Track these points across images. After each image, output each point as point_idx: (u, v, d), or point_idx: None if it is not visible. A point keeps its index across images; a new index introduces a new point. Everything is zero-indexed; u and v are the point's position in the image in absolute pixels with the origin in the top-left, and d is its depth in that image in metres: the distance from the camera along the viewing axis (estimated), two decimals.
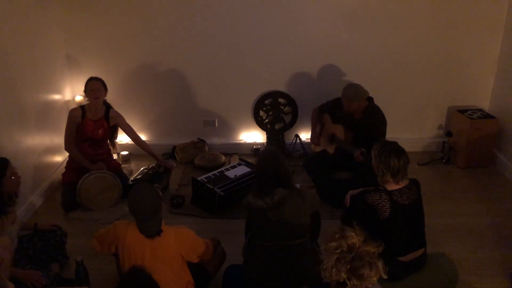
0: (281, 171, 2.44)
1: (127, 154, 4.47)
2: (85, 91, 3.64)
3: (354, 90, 3.59)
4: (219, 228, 3.40)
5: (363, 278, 1.76)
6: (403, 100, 4.47)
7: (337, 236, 1.86)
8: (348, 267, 1.76)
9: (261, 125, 4.57)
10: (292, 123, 4.57)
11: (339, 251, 1.80)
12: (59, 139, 3.87)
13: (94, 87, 3.58)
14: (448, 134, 4.39)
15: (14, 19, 3.44)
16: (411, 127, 4.59)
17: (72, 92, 4.38)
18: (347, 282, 1.76)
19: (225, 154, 4.52)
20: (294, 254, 2.44)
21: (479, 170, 4.26)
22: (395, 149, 2.52)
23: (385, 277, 1.80)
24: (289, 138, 4.57)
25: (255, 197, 2.45)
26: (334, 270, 1.78)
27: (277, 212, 2.38)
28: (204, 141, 4.59)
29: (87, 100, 3.67)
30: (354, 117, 3.73)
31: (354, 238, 1.82)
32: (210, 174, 3.76)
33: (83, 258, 2.65)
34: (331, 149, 3.91)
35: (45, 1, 3.90)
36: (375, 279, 1.77)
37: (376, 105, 3.73)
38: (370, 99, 3.71)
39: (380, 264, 1.79)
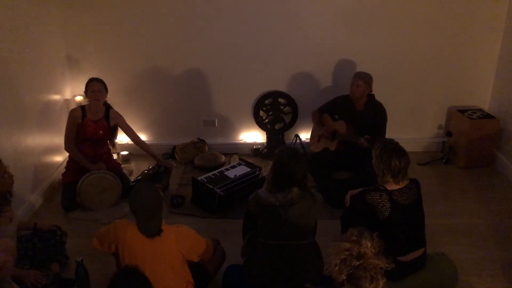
0: (301, 172, 2.43)
1: (127, 154, 4.47)
2: (85, 91, 3.64)
3: (367, 74, 3.78)
4: (219, 228, 3.40)
5: (359, 287, 1.76)
6: (403, 100, 4.47)
7: (353, 238, 1.85)
8: (351, 271, 1.76)
9: (261, 125, 4.57)
10: (292, 123, 4.57)
11: (348, 253, 1.80)
12: (59, 139, 3.87)
13: (95, 88, 3.58)
14: (448, 134, 4.39)
15: (14, 19, 3.44)
16: (411, 127, 4.59)
17: (72, 92, 4.38)
18: (345, 283, 1.76)
19: (225, 154, 4.52)
20: (296, 254, 2.45)
21: (479, 170, 4.26)
22: (397, 150, 2.52)
23: None
24: (289, 138, 4.57)
25: (267, 193, 2.44)
26: (336, 268, 1.78)
27: (287, 211, 2.38)
28: (204, 141, 4.59)
29: (88, 101, 3.66)
30: (355, 110, 3.78)
31: (368, 248, 1.81)
32: (210, 174, 3.76)
33: (83, 258, 2.65)
34: (332, 146, 3.92)
35: (45, 1, 3.90)
36: None
37: (378, 100, 3.80)
38: (371, 95, 3.79)
39: (382, 282, 1.78)
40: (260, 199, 2.45)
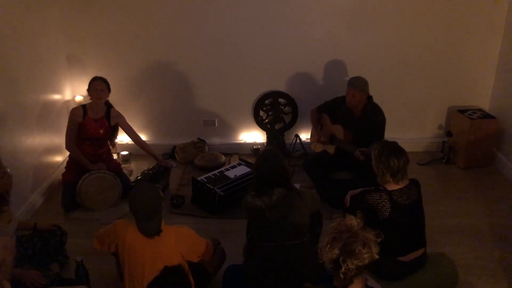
0: (280, 171, 2.44)
1: (127, 154, 4.48)
2: (88, 89, 3.64)
3: (361, 80, 3.65)
4: (219, 228, 3.40)
5: (354, 254, 1.76)
6: (403, 100, 4.47)
7: (338, 219, 1.89)
8: (342, 244, 1.78)
9: (261, 125, 4.57)
10: (292, 123, 4.57)
11: (337, 231, 1.83)
12: (59, 139, 3.87)
13: (98, 87, 3.58)
14: (448, 134, 4.39)
15: (14, 19, 3.44)
16: (411, 127, 4.59)
17: (72, 92, 4.38)
18: (341, 263, 1.77)
19: (225, 154, 4.52)
20: (293, 254, 2.44)
21: (479, 170, 4.25)
22: (395, 149, 2.53)
23: (376, 257, 1.80)
24: (289, 138, 4.58)
25: (253, 197, 2.44)
26: (328, 246, 1.80)
27: (275, 212, 2.38)
28: (204, 141, 4.59)
29: (90, 99, 3.67)
30: (353, 115, 3.75)
31: (354, 220, 1.85)
32: (210, 174, 3.76)
33: (83, 258, 2.65)
34: (331, 150, 3.91)
35: (45, 2, 3.90)
36: (366, 256, 1.77)
37: (376, 103, 3.76)
38: (369, 98, 3.73)
39: (375, 249, 1.79)
40: (248, 204, 2.46)
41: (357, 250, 1.75)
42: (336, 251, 1.78)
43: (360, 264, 1.77)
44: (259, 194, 2.43)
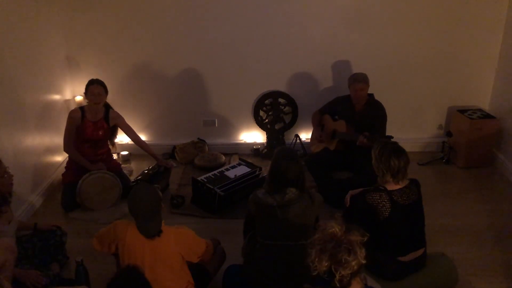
0: (298, 173, 2.43)
1: (127, 154, 4.47)
2: (85, 93, 3.63)
3: (364, 74, 3.78)
4: (219, 228, 3.40)
5: (341, 263, 1.75)
6: (403, 100, 4.47)
7: (320, 228, 1.88)
8: (328, 255, 1.77)
9: (261, 125, 4.57)
10: (292, 123, 4.57)
11: (322, 242, 1.82)
12: (59, 139, 3.87)
13: (95, 91, 3.57)
14: (448, 134, 4.39)
15: (14, 19, 3.44)
16: (411, 127, 4.59)
17: (72, 92, 4.38)
18: (334, 272, 1.76)
19: (225, 154, 4.52)
20: (295, 255, 2.44)
21: (479, 170, 4.26)
22: (396, 149, 2.53)
23: (363, 262, 1.79)
24: (289, 138, 4.57)
25: (265, 194, 2.45)
26: (317, 260, 1.79)
27: (285, 211, 2.38)
28: (204, 141, 4.59)
29: (87, 102, 3.66)
30: (355, 110, 3.81)
31: (335, 227, 1.83)
32: (210, 174, 3.76)
33: (83, 258, 2.65)
34: (331, 145, 3.93)
35: (45, 2, 3.90)
36: (353, 263, 1.75)
37: (377, 100, 3.82)
38: (370, 95, 3.81)
39: (360, 252, 1.78)
40: (258, 199, 2.46)
41: (343, 260, 1.74)
42: (325, 263, 1.77)
43: (350, 271, 1.76)
44: (271, 192, 2.43)
